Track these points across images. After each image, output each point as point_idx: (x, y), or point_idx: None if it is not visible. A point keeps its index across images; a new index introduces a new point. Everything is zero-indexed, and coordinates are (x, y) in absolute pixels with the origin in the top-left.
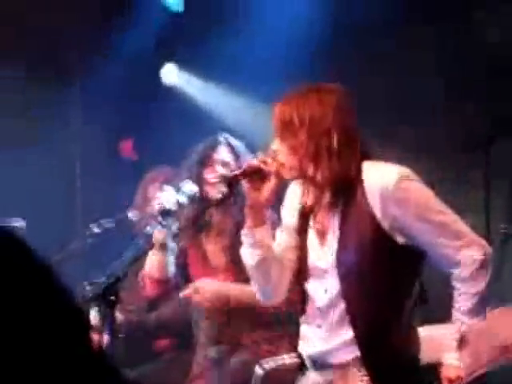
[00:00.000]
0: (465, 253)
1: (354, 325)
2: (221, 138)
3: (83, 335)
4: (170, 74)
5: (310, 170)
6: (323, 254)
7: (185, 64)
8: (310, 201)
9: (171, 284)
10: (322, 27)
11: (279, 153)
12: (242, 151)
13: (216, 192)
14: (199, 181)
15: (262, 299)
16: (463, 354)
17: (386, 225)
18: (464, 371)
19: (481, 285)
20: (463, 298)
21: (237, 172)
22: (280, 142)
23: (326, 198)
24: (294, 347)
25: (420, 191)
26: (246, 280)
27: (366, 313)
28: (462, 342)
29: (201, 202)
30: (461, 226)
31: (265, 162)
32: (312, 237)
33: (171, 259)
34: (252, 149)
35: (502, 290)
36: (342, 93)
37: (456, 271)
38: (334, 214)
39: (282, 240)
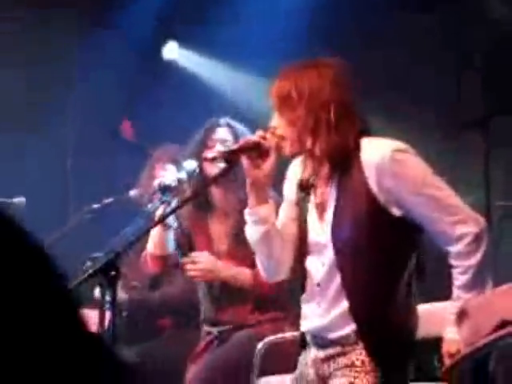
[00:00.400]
0: (460, 228)
1: (350, 297)
2: (221, 120)
3: (72, 318)
4: (172, 52)
5: (309, 143)
6: (322, 228)
7: (186, 41)
8: (308, 174)
9: (172, 261)
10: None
11: (278, 127)
12: (242, 132)
13: (215, 168)
14: (200, 160)
15: (267, 276)
16: (462, 327)
17: (381, 198)
18: (463, 344)
19: (475, 258)
20: (459, 271)
21: (234, 147)
22: (279, 116)
23: (324, 171)
24: (296, 327)
25: (415, 165)
26: (248, 267)
27: (361, 285)
28: (461, 316)
29: (201, 178)
30: (456, 200)
31: (264, 138)
32: (312, 211)
33: (171, 236)
34: (253, 126)
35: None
36: (340, 66)
37: (452, 248)
38: (331, 189)
39: (284, 215)
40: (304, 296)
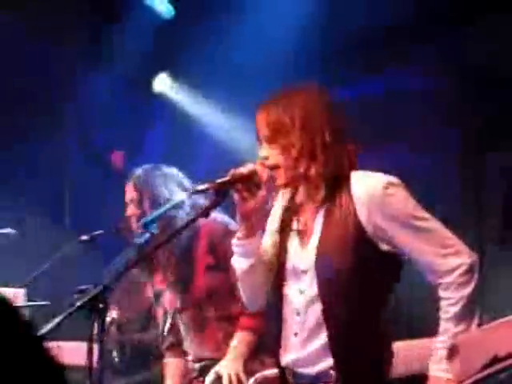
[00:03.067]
0: (453, 260)
1: (330, 328)
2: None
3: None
4: (163, 84)
5: (303, 169)
6: (304, 255)
7: (177, 73)
8: (297, 201)
9: None
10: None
11: (269, 158)
12: None
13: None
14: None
15: (248, 305)
16: (454, 362)
17: (369, 230)
18: (454, 380)
19: (466, 290)
20: (449, 303)
21: (225, 178)
22: (269, 145)
23: (320, 195)
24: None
25: (406, 198)
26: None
27: (341, 316)
28: (453, 351)
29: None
30: (446, 233)
31: (254, 172)
32: (294, 238)
33: None
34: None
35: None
36: (324, 90)
37: (443, 279)
38: (318, 216)
39: (265, 243)
40: (282, 325)
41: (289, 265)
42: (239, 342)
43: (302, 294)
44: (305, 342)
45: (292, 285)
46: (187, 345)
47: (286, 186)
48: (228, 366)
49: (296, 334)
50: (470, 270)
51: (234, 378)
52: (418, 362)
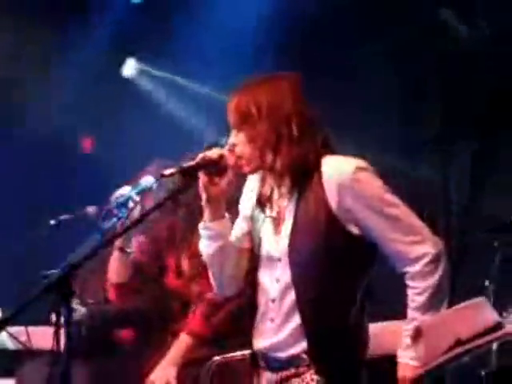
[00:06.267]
0: (418, 248)
1: (302, 312)
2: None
3: None
4: (131, 68)
5: (269, 159)
6: (277, 242)
7: (145, 58)
8: (267, 190)
9: (129, 288)
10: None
11: (237, 145)
12: None
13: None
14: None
15: (219, 290)
16: (418, 346)
17: (340, 215)
18: (418, 363)
19: (432, 280)
20: (415, 292)
21: (192, 163)
22: (238, 133)
23: (285, 185)
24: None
25: (375, 183)
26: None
27: (315, 301)
28: (417, 335)
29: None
30: (414, 220)
31: (222, 156)
32: (267, 226)
33: (128, 263)
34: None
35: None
36: (297, 80)
37: (409, 268)
38: (290, 203)
39: (238, 230)
40: (257, 311)
41: (263, 252)
42: (176, 346)
43: (278, 283)
44: (279, 326)
45: (267, 272)
46: None
47: (251, 173)
48: (158, 375)
49: (272, 320)
50: (435, 260)
51: None
52: (390, 343)
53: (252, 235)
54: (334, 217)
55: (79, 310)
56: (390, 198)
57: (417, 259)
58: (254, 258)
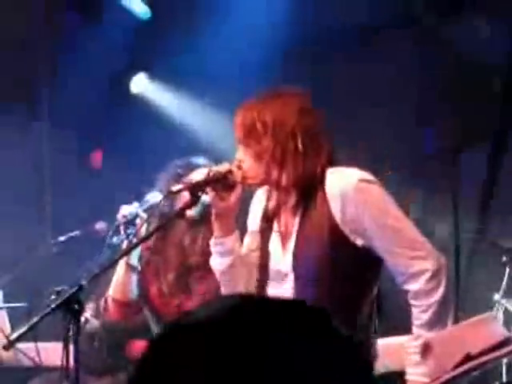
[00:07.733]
0: (418, 264)
1: None
2: (201, 160)
3: None
4: (141, 84)
5: (275, 174)
6: (284, 256)
7: (155, 73)
8: (274, 205)
9: (134, 308)
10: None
11: (244, 161)
12: None
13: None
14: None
15: None
16: (427, 361)
17: (345, 227)
18: (429, 381)
19: (435, 296)
20: (418, 311)
21: (200, 179)
22: (244, 149)
23: (291, 201)
24: None
25: (379, 195)
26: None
27: None
28: (426, 350)
29: (166, 212)
30: (416, 235)
31: (229, 171)
32: (275, 240)
33: (134, 279)
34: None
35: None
36: (304, 95)
37: (410, 286)
38: (296, 217)
39: (247, 245)
40: None
41: (271, 267)
42: None
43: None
44: None
45: (275, 287)
46: None
47: (258, 187)
48: None
49: None
50: (436, 276)
51: None
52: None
53: (261, 249)
54: (338, 228)
55: (92, 321)
56: (394, 210)
57: (416, 275)
58: (262, 273)
